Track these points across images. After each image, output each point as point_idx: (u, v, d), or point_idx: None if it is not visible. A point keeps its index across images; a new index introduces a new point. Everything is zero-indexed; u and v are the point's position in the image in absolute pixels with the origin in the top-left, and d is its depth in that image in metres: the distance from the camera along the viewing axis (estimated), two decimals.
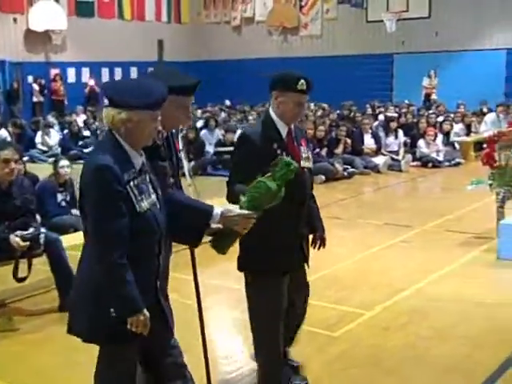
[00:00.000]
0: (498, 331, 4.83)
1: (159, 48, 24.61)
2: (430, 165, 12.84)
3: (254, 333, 3.75)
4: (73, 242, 6.16)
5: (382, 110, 16.77)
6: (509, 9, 19.25)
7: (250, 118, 16.10)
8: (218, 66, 24.61)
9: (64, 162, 7.61)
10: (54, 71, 21.88)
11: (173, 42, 24.27)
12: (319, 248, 3.95)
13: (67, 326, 2.86)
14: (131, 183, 2.72)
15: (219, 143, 13.72)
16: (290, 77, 3.58)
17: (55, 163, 7.63)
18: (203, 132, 14.23)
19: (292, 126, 3.71)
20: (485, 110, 16.10)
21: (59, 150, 15.00)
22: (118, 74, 23.79)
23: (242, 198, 3.11)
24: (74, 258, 6.01)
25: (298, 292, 3.86)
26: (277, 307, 3.65)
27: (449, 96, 17.98)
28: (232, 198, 3.42)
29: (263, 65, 23.53)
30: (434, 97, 19.12)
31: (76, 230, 7.58)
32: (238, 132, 14.07)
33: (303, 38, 24.43)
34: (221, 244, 3.18)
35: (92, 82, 22.32)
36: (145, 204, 2.75)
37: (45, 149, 15.15)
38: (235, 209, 3.10)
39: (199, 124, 15.45)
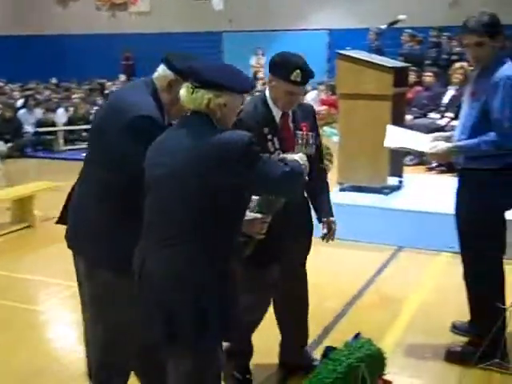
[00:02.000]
0: None
1: None
2: None
3: None
4: None
5: None
6: None
7: (75, 96, 15.45)
8: (43, 41, 23.51)
9: None
10: None
11: None
12: (328, 241, 3.66)
13: None
14: None
15: (40, 123, 13.09)
16: (287, 64, 3.27)
17: None
18: (21, 112, 13.48)
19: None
20: (308, 88, 16.51)
21: None
22: None
23: (253, 202, 2.87)
24: None
25: None
26: None
27: None
28: None
29: (91, 41, 22.83)
30: (261, 75, 19.38)
31: None
32: (60, 111, 13.58)
33: (132, 14, 23.88)
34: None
35: None
36: None
37: None
38: (247, 212, 2.82)
39: (18, 103, 14.65)
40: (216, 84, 2.55)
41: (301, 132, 3.34)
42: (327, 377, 2.51)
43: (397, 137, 4.20)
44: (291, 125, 3.47)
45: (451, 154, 3.87)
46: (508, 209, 3.86)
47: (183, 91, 2.59)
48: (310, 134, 3.33)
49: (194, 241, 2.47)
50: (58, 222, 3.19)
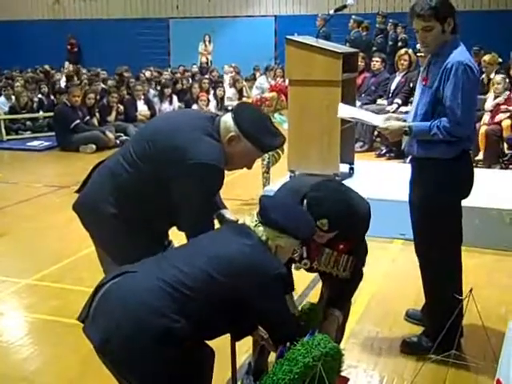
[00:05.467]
0: None
1: None
2: None
3: None
4: None
5: (156, 74, 16.55)
6: None
7: (17, 84, 14.96)
8: None
9: None
10: None
11: None
12: None
13: None
14: None
15: None
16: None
17: None
18: None
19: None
20: (257, 74, 16.42)
21: None
22: None
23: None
24: None
25: None
26: None
27: (224, 61, 18.12)
28: None
29: (35, 28, 22.26)
30: (207, 61, 19.24)
31: None
32: (1, 99, 13.15)
33: (76, 1, 23.35)
34: None
35: None
36: None
37: None
38: None
39: None
40: (280, 227, 2.56)
41: (330, 250, 3.10)
42: (282, 378, 2.39)
43: (349, 110, 4.18)
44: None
45: (402, 133, 3.78)
46: (464, 197, 3.81)
47: (248, 220, 2.64)
48: (345, 256, 3.10)
49: (191, 303, 2.41)
50: (77, 192, 3.19)
